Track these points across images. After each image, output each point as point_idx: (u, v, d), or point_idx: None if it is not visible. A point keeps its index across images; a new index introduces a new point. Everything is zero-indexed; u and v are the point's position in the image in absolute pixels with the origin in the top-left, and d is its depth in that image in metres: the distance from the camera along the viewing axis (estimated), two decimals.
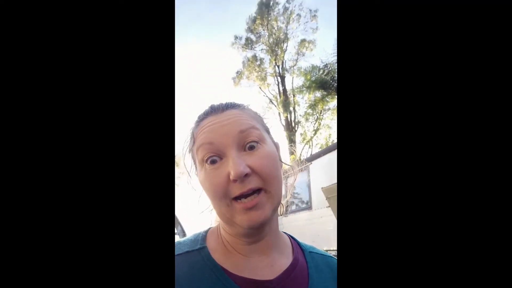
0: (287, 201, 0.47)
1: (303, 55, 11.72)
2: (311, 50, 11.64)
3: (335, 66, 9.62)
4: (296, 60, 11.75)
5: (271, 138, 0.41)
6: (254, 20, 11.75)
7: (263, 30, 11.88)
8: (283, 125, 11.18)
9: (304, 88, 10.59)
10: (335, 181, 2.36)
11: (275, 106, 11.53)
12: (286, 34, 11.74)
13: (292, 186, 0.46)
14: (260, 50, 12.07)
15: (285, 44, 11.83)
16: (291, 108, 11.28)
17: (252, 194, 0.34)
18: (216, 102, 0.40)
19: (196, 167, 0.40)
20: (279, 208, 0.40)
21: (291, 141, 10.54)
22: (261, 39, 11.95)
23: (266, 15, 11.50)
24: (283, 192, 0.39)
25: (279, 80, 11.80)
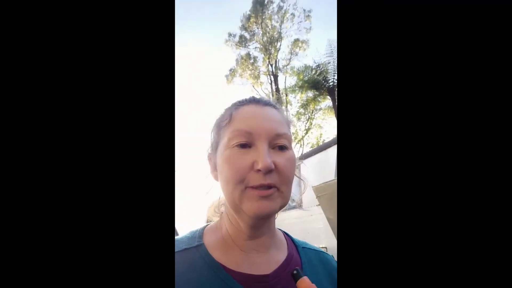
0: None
1: (296, 54, 11.77)
2: (304, 50, 11.70)
3: (327, 66, 9.72)
4: (289, 60, 11.79)
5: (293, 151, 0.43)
6: (248, 18, 11.68)
7: (257, 28, 11.85)
8: None
9: (296, 88, 10.65)
10: (326, 180, 2.41)
11: None
12: (280, 33, 11.75)
13: (300, 199, 0.48)
14: (254, 48, 12.04)
15: (279, 43, 11.84)
16: (284, 107, 11.28)
17: (267, 187, 0.35)
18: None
19: (217, 144, 0.41)
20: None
21: None
22: (255, 37, 11.91)
23: (261, 14, 11.46)
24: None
25: (272, 79, 11.82)
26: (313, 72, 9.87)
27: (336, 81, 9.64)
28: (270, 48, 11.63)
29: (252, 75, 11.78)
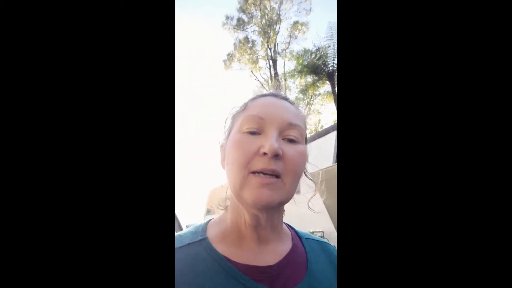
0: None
1: (296, 38, 11.46)
2: (304, 33, 11.38)
3: (327, 50, 9.50)
4: (289, 43, 11.49)
5: (305, 147, 0.42)
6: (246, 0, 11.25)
7: (256, 10, 11.42)
8: None
9: (295, 73, 10.47)
10: (324, 166, 2.42)
11: (266, 90, 11.35)
12: (279, 15, 11.36)
13: (310, 200, 0.47)
14: (252, 32, 11.68)
15: (278, 26, 11.48)
16: (282, 93, 11.15)
17: (270, 175, 0.35)
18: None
19: (229, 132, 0.41)
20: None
21: None
22: (253, 20, 11.52)
23: None
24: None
25: (271, 63, 11.57)
26: (312, 56, 9.66)
27: (335, 66, 9.46)
28: (269, 31, 11.29)
29: (251, 60, 11.52)
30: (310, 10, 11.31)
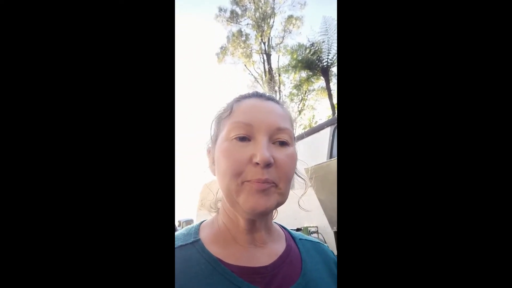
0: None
1: (290, 32, 11.37)
2: (298, 27, 11.30)
3: (322, 45, 9.47)
4: (283, 38, 11.40)
5: (295, 145, 0.42)
6: None
7: (249, 3, 11.25)
8: None
9: (289, 68, 10.42)
10: (318, 162, 2.40)
11: (260, 85, 11.30)
12: (273, 8, 11.22)
13: (300, 197, 0.47)
14: (246, 25, 11.52)
15: (272, 20, 11.35)
16: (276, 88, 11.14)
17: (264, 183, 0.35)
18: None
19: (216, 137, 0.40)
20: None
21: None
22: (247, 13, 11.35)
23: None
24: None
25: (265, 58, 11.48)
26: (307, 51, 9.62)
27: (329, 61, 9.46)
28: (263, 24, 11.15)
29: (244, 54, 11.39)
30: (304, 5, 11.23)
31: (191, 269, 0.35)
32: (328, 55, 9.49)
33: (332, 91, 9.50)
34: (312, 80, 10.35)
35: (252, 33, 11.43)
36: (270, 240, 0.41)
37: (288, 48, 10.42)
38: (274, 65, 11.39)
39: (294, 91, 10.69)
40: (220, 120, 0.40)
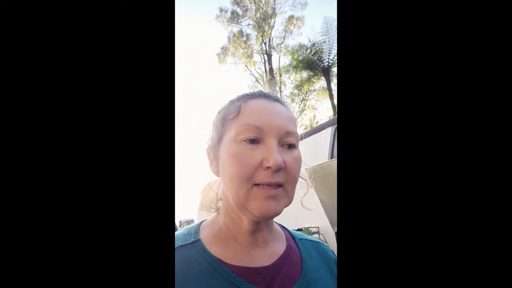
0: None
1: (291, 32, 11.37)
2: (299, 27, 11.30)
3: (322, 46, 9.46)
4: (284, 38, 11.40)
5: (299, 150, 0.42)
6: None
7: (250, 3, 11.25)
8: None
9: (290, 68, 10.41)
10: (319, 162, 2.40)
11: (261, 85, 11.30)
12: (274, 8, 11.22)
13: (303, 197, 0.47)
14: (247, 25, 11.52)
15: (273, 20, 11.35)
16: (277, 88, 11.12)
17: (274, 186, 0.35)
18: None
19: (220, 138, 0.39)
20: None
21: None
22: (247, 13, 11.36)
23: None
24: None
25: (266, 58, 11.48)
26: (308, 52, 9.61)
27: (330, 61, 9.44)
28: (264, 25, 11.16)
29: (245, 54, 11.39)
30: (305, 5, 11.23)
31: (191, 270, 0.35)
32: (329, 55, 9.47)
33: (333, 91, 9.48)
34: (313, 80, 10.33)
35: (253, 33, 11.44)
36: (271, 240, 0.41)
37: (289, 48, 10.42)
38: (275, 65, 11.39)
39: (295, 91, 10.68)
40: (225, 120, 0.39)
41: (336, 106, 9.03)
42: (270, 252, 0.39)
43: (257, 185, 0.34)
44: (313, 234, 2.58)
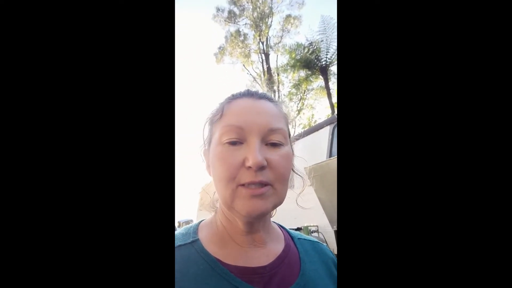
0: None
1: (288, 32, 11.36)
2: (296, 26, 11.29)
3: (320, 45, 9.46)
4: (281, 37, 11.39)
5: (290, 143, 0.41)
6: None
7: (247, 2, 11.23)
8: None
9: (288, 67, 10.41)
10: (317, 161, 2.40)
11: (259, 85, 11.27)
12: (271, 8, 11.21)
13: (298, 195, 0.47)
14: (244, 25, 11.50)
15: (270, 19, 11.34)
16: (275, 88, 11.13)
17: (260, 185, 0.34)
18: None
19: (210, 139, 0.40)
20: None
21: None
22: (244, 13, 11.33)
23: None
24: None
25: (263, 57, 11.46)
26: (305, 51, 9.61)
27: (328, 60, 9.45)
28: (261, 24, 11.14)
29: (243, 54, 11.37)
30: (302, 4, 11.22)
31: (190, 269, 0.35)
32: (326, 54, 9.48)
33: (331, 90, 9.50)
34: (311, 79, 10.34)
35: (250, 33, 11.43)
36: (269, 240, 0.41)
37: (287, 47, 10.42)
38: (272, 65, 11.39)
39: (293, 90, 10.68)
40: (212, 122, 0.40)
41: (335, 104, 9.05)
42: (268, 252, 0.39)
43: (242, 185, 0.34)
44: (312, 232, 2.58)
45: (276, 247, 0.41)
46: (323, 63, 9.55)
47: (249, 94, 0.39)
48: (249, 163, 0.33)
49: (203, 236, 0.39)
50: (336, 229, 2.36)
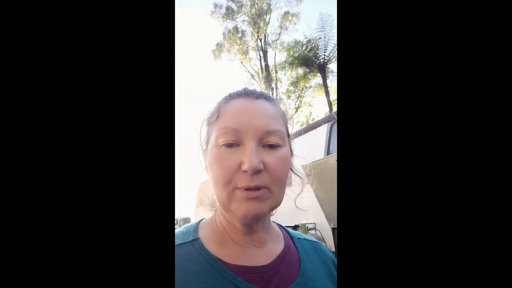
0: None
1: (286, 29, 11.32)
2: (295, 24, 11.24)
3: (318, 42, 9.44)
4: (279, 34, 11.34)
5: (289, 143, 0.41)
6: None
7: None
8: None
9: (286, 64, 10.39)
10: (315, 159, 2.41)
11: (257, 82, 11.26)
12: (269, 4, 11.14)
13: (297, 196, 0.46)
14: (242, 22, 11.43)
15: (268, 16, 11.27)
16: (273, 85, 11.10)
17: (256, 188, 0.34)
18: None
19: (207, 140, 0.40)
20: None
21: None
22: (242, 9, 11.25)
23: None
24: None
25: (261, 54, 11.42)
26: (303, 48, 9.59)
27: (326, 58, 9.43)
28: (259, 21, 11.07)
29: (241, 51, 11.32)
30: (301, 1, 11.16)
31: (190, 268, 0.35)
32: (324, 52, 9.46)
33: (329, 88, 9.50)
34: (309, 77, 10.33)
35: (248, 29, 11.36)
36: (268, 240, 0.41)
37: (285, 44, 10.39)
38: (270, 62, 11.35)
39: (291, 88, 10.67)
40: (209, 123, 0.39)
41: (333, 102, 9.06)
42: (268, 252, 0.39)
43: (238, 189, 0.34)
44: (309, 230, 2.60)
45: (275, 247, 0.41)
46: (321, 60, 9.54)
47: (246, 93, 0.39)
48: (245, 167, 0.33)
49: (203, 235, 0.39)
50: (333, 226, 2.37)
